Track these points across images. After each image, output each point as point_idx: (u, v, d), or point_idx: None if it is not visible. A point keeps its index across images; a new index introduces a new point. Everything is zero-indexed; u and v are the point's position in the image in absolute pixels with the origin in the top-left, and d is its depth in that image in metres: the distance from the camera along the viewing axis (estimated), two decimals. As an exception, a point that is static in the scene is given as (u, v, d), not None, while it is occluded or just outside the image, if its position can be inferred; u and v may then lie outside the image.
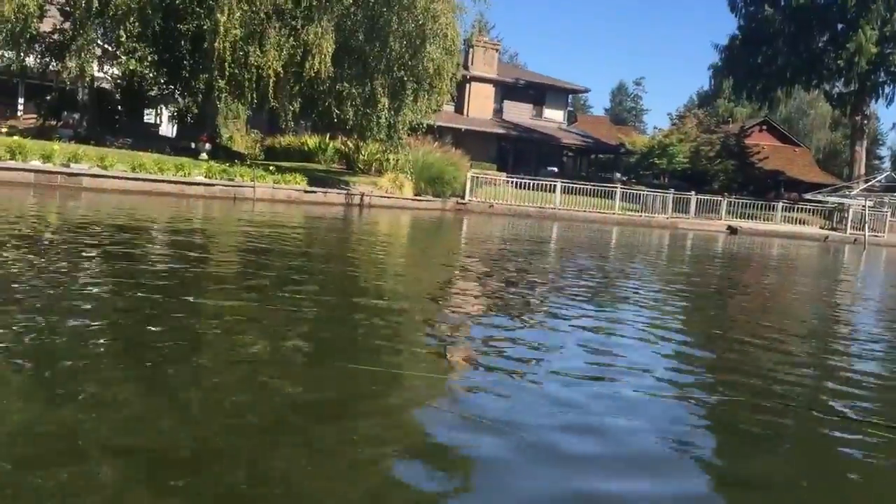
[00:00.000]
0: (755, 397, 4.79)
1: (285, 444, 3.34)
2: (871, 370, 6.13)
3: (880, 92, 45.09)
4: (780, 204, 35.81)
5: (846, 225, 33.38)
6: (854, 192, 35.06)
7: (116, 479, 2.83)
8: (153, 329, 5.29)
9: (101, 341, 4.85)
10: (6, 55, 24.68)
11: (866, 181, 39.49)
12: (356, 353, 5.21)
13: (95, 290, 6.71)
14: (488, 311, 7.67)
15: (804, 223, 34.71)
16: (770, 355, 6.32)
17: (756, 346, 6.70)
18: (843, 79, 44.48)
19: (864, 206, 32.71)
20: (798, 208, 35.76)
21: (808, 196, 37.54)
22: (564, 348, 5.90)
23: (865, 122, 47.23)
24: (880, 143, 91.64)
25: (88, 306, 5.91)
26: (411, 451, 3.43)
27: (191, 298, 6.51)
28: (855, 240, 31.14)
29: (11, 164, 17.74)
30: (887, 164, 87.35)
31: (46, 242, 9.59)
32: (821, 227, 34.23)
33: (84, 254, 8.71)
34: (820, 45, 43.84)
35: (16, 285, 6.19)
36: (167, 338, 5.01)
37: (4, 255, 7.83)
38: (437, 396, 4.40)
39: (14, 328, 4.75)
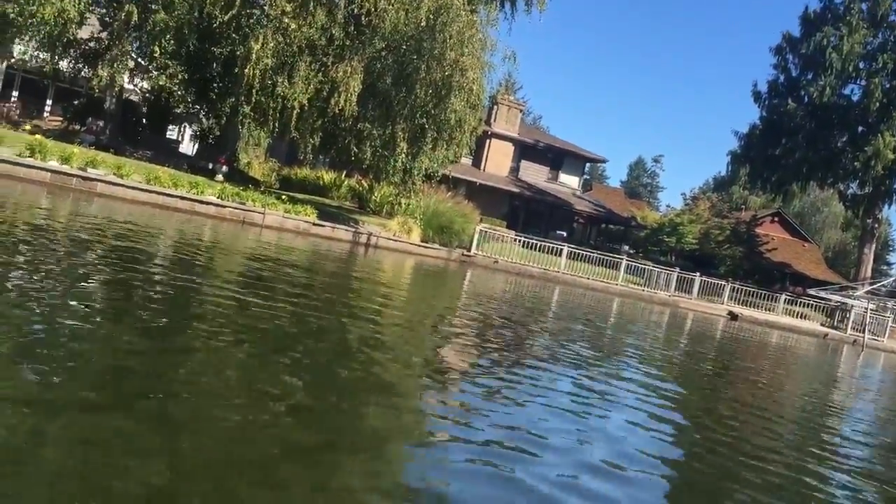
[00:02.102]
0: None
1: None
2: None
3: (894, 197, 45.35)
4: (783, 296, 35.77)
5: (847, 325, 33.26)
6: (858, 293, 35.04)
7: None
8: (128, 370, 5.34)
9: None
10: (41, 56, 25.18)
11: (871, 284, 39.54)
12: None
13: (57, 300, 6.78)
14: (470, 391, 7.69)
15: (805, 318, 34.61)
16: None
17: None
18: (858, 181, 44.77)
19: (866, 308, 32.65)
20: (801, 302, 35.71)
21: (811, 291, 37.50)
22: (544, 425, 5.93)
23: (877, 225, 47.39)
24: (891, 248, 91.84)
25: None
26: None
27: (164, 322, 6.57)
28: (854, 341, 31.02)
29: (30, 161, 17.96)
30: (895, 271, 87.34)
31: (30, 243, 9.66)
32: (821, 324, 34.13)
33: (71, 260, 8.79)
34: (839, 144, 44.27)
35: None
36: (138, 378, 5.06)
37: None
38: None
39: None
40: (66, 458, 3.19)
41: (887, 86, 41.14)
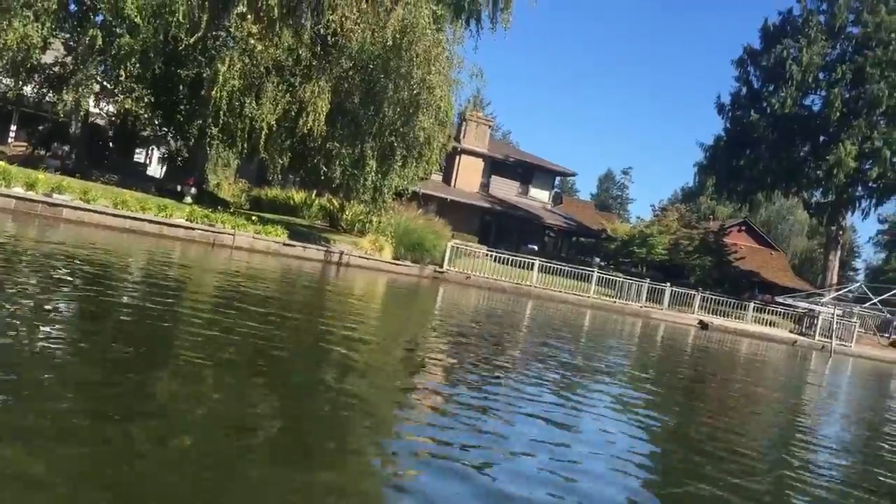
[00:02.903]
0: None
1: None
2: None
3: (857, 205, 46.24)
4: (752, 304, 36.22)
5: (815, 331, 33.75)
6: (825, 299, 35.60)
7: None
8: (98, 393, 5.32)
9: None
10: (4, 82, 24.92)
11: (837, 290, 40.20)
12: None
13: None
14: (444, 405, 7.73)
15: (774, 325, 35.06)
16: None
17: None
18: (821, 189, 45.58)
19: (832, 314, 33.17)
20: (769, 310, 36.18)
21: (779, 299, 38.02)
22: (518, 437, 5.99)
23: (841, 232, 48.25)
24: (856, 254, 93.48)
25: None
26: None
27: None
28: (822, 346, 31.46)
29: (-6, 188, 17.76)
30: (861, 276, 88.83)
31: None
32: (790, 331, 34.57)
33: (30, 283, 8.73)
34: (801, 154, 45.07)
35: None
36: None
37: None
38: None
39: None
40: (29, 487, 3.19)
41: (847, 96, 41.98)
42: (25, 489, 3.18)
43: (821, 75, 43.42)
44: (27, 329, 6.04)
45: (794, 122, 43.87)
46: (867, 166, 42.72)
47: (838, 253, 48.46)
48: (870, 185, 43.88)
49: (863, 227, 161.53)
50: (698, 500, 5.03)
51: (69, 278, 9.46)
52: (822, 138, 43.92)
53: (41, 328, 6.20)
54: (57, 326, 6.49)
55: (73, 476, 3.39)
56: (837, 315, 33.33)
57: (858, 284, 47.26)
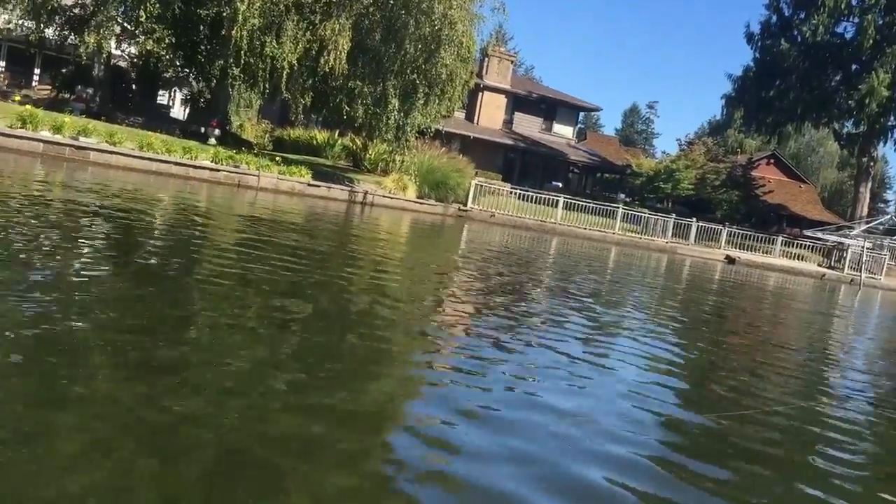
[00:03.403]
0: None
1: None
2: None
3: (889, 135, 45.25)
4: (780, 238, 35.91)
5: (844, 264, 33.48)
6: (854, 232, 35.19)
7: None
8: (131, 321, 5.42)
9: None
10: (26, 25, 24.91)
11: (867, 223, 39.66)
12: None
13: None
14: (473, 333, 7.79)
15: (802, 259, 34.79)
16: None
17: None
18: (852, 119, 44.57)
19: (862, 247, 32.83)
20: (797, 244, 35.86)
21: (808, 232, 37.64)
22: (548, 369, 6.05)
23: (872, 163, 47.35)
24: (887, 186, 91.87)
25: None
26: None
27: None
28: (851, 280, 31.26)
29: (22, 132, 17.91)
30: (892, 208, 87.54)
31: (31, 212, 9.70)
32: (818, 265, 34.33)
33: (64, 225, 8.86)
34: (832, 83, 44.02)
35: None
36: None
37: None
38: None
39: None
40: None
41: (880, 22, 40.70)
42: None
43: (853, 1, 42.06)
44: (63, 266, 6.18)
45: (825, 51, 42.74)
46: (901, 95, 41.68)
47: (869, 185, 47.67)
48: (903, 114, 42.90)
49: (894, 157, 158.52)
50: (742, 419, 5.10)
51: (112, 221, 9.61)
52: (854, 67, 42.79)
53: (77, 267, 6.34)
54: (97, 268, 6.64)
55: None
56: (867, 248, 32.99)
57: (889, 216, 46.54)
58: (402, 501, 3.10)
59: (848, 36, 43.41)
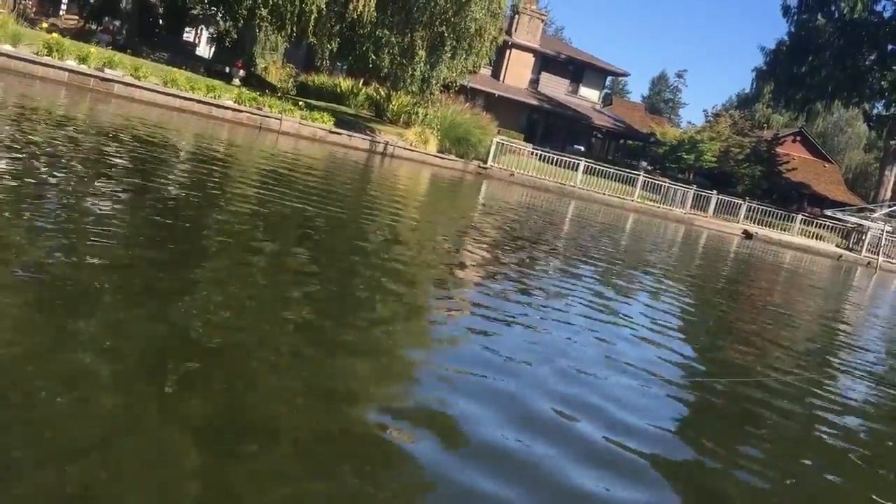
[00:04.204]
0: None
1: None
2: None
3: (919, 119, 44.49)
4: (800, 216, 35.61)
5: (862, 247, 33.20)
6: (875, 215, 34.81)
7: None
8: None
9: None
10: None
11: (890, 206, 39.19)
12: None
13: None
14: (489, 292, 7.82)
15: (821, 238, 34.53)
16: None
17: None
18: (883, 100, 43.87)
19: (882, 230, 32.51)
20: (817, 223, 35.56)
21: (828, 212, 37.28)
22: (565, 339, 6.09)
23: (900, 147, 46.64)
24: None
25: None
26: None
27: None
28: (868, 263, 31.01)
29: (48, 60, 17.93)
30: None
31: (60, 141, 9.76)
32: (836, 246, 34.08)
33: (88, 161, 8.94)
34: (867, 62, 43.15)
35: None
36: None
37: None
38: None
39: None
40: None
41: (921, 2, 39.79)
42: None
43: (895, -21, 41.10)
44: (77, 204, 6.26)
45: (862, 29, 41.82)
46: (934, 79, 40.91)
47: (894, 168, 47.02)
48: (935, 98, 42.14)
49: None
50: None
51: (135, 154, 9.67)
52: (889, 47, 41.92)
53: (95, 200, 6.41)
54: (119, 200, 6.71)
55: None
56: (887, 231, 32.68)
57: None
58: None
59: (887, 14, 42.46)
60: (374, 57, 24.35)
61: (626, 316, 6.91)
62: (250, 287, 4.85)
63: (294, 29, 23.77)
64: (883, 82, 40.62)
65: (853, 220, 35.19)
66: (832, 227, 35.67)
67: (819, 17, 43.45)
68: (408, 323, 5.11)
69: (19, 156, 7.22)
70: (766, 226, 33.46)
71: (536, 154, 31.28)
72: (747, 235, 30.65)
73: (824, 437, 4.57)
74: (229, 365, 3.41)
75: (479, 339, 4.84)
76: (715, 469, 3.66)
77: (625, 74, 57.53)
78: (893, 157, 45.92)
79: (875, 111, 46.63)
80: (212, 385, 3.15)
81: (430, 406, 3.49)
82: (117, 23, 25.38)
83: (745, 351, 6.80)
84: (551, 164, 30.93)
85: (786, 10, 45.86)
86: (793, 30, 45.77)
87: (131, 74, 19.13)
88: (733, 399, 4.98)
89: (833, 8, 42.65)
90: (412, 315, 5.32)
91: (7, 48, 17.59)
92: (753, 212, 33.68)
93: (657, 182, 33.51)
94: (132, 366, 3.11)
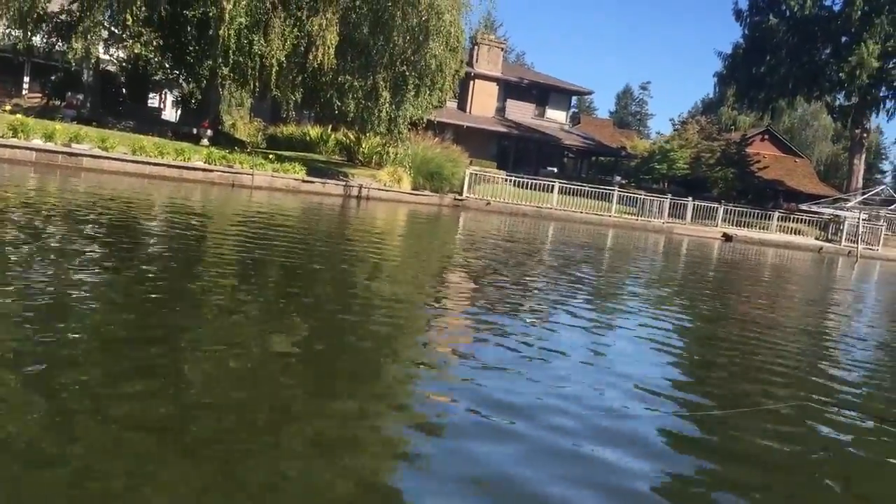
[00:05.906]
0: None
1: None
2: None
3: (881, 106, 45.21)
4: (776, 213, 35.95)
5: (841, 237, 33.53)
6: (850, 204, 35.23)
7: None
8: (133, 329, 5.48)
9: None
10: (13, 33, 24.86)
11: (863, 194, 39.71)
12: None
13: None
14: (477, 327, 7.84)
15: (800, 233, 34.85)
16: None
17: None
18: (844, 91, 44.58)
19: (858, 218, 32.88)
20: (794, 218, 35.90)
21: (804, 206, 37.69)
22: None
23: (865, 135, 47.30)
24: (883, 156, 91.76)
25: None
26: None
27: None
28: (849, 252, 31.29)
29: (14, 141, 17.96)
30: (889, 178, 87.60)
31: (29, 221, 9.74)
32: (816, 238, 34.39)
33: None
34: (822, 56, 43.91)
35: None
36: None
37: None
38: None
39: None
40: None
41: (867, -7, 40.59)
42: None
43: (840, -27, 41.95)
44: (63, 277, 6.24)
45: (814, 24, 42.62)
46: (891, 65, 41.61)
47: (863, 156, 47.66)
48: (894, 84, 42.83)
49: (889, 127, 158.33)
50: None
51: (108, 226, 9.65)
52: (843, 39, 42.64)
53: (76, 271, 6.40)
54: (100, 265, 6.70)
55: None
56: (863, 219, 33.04)
57: (884, 187, 46.60)
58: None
59: (836, 8, 43.26)
60: (339, 103, 24.53)
61: (622, 352, 6.95)
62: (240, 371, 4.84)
63: (257, 84, 23.96)
64: (841, 74, 41.26)
65: (829, 211, 35.60)
66: (810, 220, 36.03)
67: (771, 17, 44.26)
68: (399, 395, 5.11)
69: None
70: (744, 226, 33.73)
71: (510, 180, 31.45)
72: (727, 238, 30.88)
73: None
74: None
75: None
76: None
77: (589, 93, 58.17)
78: (860, 146, 46.62)
79: (837, 102, 47.35)
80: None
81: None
82: (80, 96, 25.47)
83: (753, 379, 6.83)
84: (526, 188, 31.10)
85: (738, 14, 46.74)
86: (747, 32, 46.58)
87: (99, 146, 19.17)
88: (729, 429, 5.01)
89: (783, 7, 43.50)
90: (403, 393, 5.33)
91: (-29, 134, 17.61)
92: (730, 214, 33.96)
93: (632, 195, 33.76)
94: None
